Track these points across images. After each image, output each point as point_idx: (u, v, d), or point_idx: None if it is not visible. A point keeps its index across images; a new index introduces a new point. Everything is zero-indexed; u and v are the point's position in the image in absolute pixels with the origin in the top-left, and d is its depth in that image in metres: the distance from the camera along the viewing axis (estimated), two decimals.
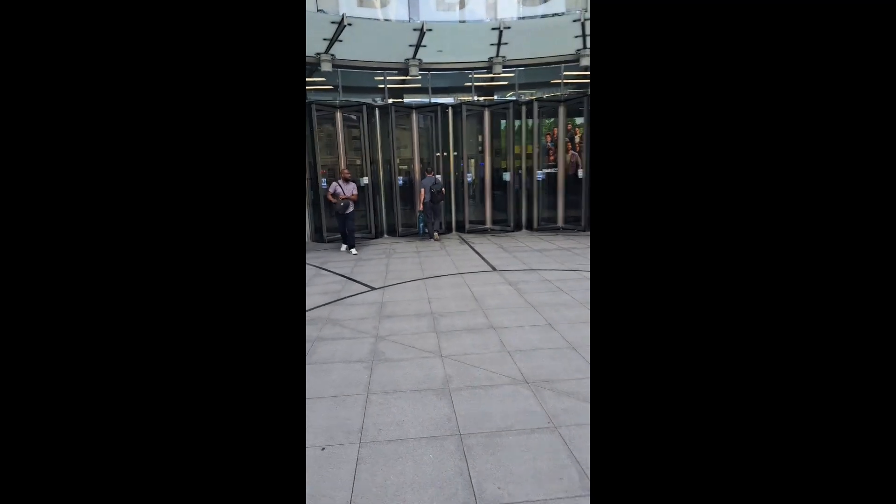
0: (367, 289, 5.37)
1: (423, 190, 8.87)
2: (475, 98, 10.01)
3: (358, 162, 9.50)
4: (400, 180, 9.62)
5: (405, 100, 9.92)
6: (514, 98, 9.74)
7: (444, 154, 9.74)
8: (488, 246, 8.05)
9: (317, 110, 8.80)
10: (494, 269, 6.14)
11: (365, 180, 9.40)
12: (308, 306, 4.72)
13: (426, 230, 9.27)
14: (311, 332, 3.98)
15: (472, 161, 10.37)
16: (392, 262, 6.93)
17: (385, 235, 9.72)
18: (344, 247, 7.93)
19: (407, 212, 10.01)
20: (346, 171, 7.69)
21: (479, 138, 10.15)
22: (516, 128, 9.61)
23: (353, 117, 9.33)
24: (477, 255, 7.20)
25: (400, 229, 9.72)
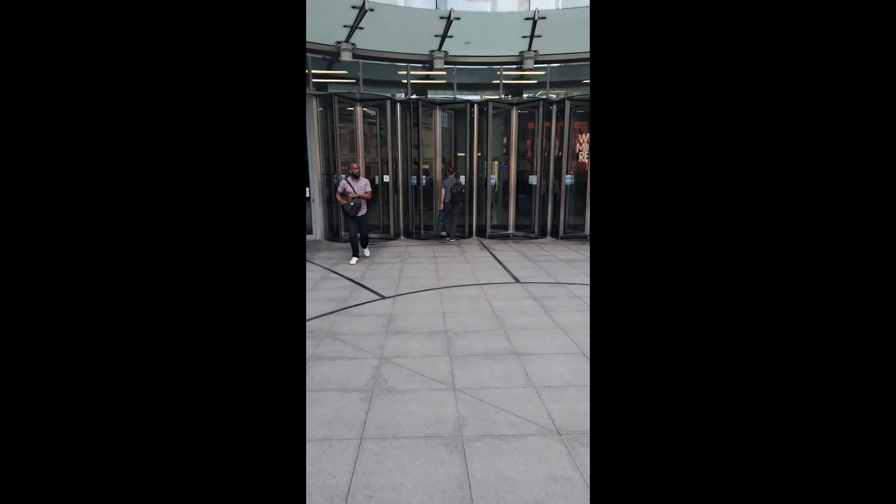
0: (376, 297, 4.86)
1: (443, 190, 8.55)
2: (502, 96, 9.43)
3: (375, 161, 9.05)
4: (422, 179, 9.11)
5: (428, 96, 9.40)
6: (543, 97, 9.12)
7: (467, 154, 9.21)
8: (510, 254, 7.46)
9: (338, 102, 8.38)
10: (517, 281, 5.56)
11: (386, 178, 8.94)
12: (310, 315, 4.23)
13: (444, 232, 8.90)
14: (307, 347, 3.48)
15: (497, 163, 9.82)
16: (406, 267, 6.42)
17: (402, 237, 9.23)
18: (354, 259, 6.70)
19: (426, 214, 9.50)
20: (355, 165, 6.68)
21: (505, 139, 9.58)
22: (545, 129, 9.00)
23: (373, 112, 8.88)
24: (498, 264, 6.62)
25: (419, 232, 9.21)
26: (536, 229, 9.27)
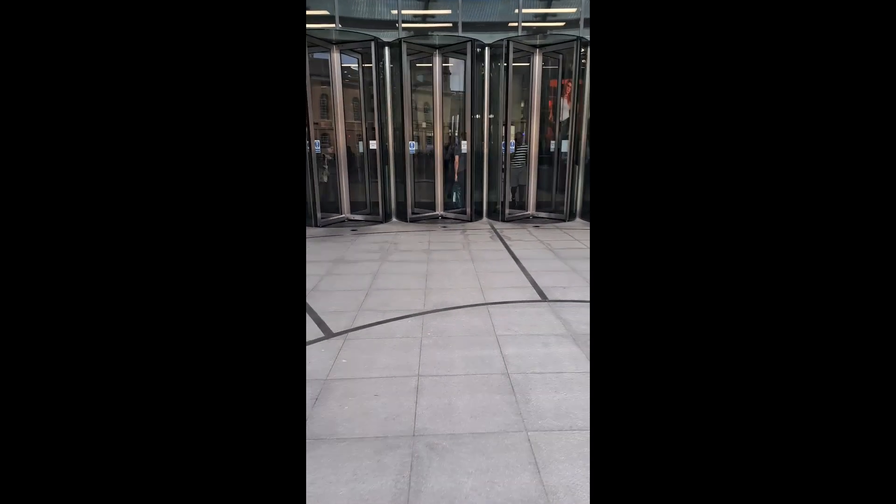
0: (317, 336, 2.99)
1: (457, 158, 6.91)
2: (521, 34, 7.18)
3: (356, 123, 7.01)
4: (412, 146, 7.06)
5: (428, 35, 7.21)
6: (578, 36, 6.86)
7: (477, 116, 7.09)
8: (531, 246, 5.48)
9: (307, 46, 6.31)
10: (543, 298, 3.61)
11: (372, 144, 6.95)
12: None
13: (461, 204, 7.32)
14: None
15: (513, 128, 7.71)
16: (385, 269, 4.52)
17: (393, 219, 7.30)
18: None
19: (423, 189, 7.52)
20: None
21: (523, 103, 7.40)
22: (580, 79, 6.79)
23: (353, 65, 6.78)
24: (515, 263, 4.66)
25: (412, 212, 7.25)
26: (566, 209, 7.21)
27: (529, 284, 3.97)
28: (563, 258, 4.87)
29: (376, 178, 7.09)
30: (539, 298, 3.61)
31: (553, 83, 7.40)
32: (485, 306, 3.43)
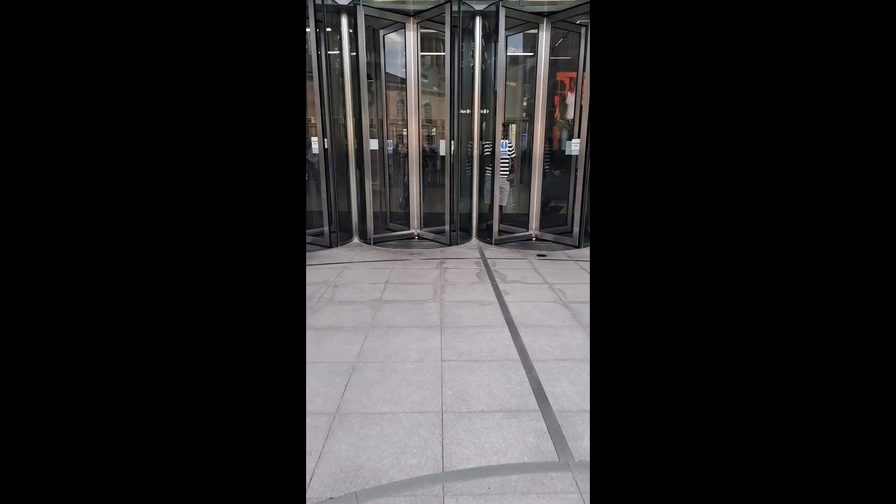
0: None
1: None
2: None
3: (313, 120, 5.14)
4: (373, 144, 5.17)
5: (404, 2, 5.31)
6: None
7: (467, 111, 5.23)
8: (534, 294, 3.58)
9: None
10: (563, 463, 1.73)
11: (315, 148, 5.06)
12: None
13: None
14: None
15: (514, 126, 5.87)
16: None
17: (355, 239, 5.43)
18: None
19: (393, 198, 5.67)
20: None
21: (526, 99, 5.51)
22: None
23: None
24: (509, 335, 2.78)
25: (376, 232, 5.37)
26: (576, 230, 5.31)
27: (535, 404, 2.07)
28: (585, 324, 2.98)
29: (342, 185, 5.22)
30: (553, 460, 1.71)
31: (559, 76, 5.54)
32: (439, 488, 1.55)
